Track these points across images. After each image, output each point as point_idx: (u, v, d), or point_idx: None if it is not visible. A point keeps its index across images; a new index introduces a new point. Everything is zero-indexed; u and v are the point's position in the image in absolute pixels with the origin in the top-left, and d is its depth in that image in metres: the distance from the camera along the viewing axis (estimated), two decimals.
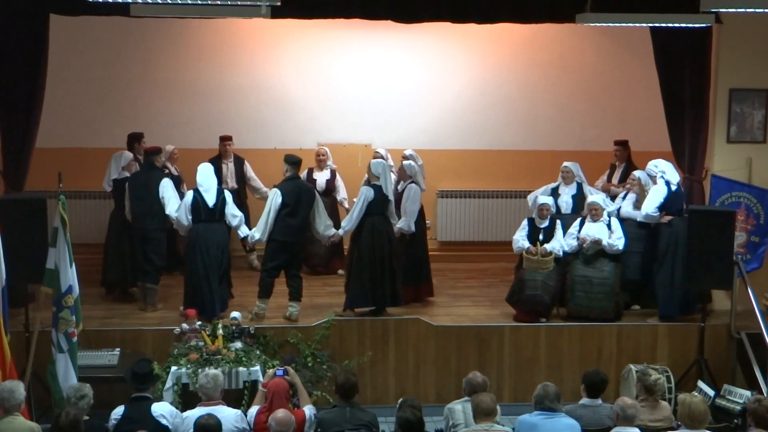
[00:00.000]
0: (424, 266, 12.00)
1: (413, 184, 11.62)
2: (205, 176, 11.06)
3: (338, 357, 10.66)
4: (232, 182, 13.08)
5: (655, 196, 11.17)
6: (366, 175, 11.40)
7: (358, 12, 11.47)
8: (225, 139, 13.31)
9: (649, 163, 11.44)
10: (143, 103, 13.76)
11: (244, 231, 11.24)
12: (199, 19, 12.92)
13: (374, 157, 12.19)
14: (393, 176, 11.97)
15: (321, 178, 12.92)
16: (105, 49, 13.59)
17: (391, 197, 11.13)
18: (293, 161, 11.19)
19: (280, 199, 10.93)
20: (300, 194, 11.05)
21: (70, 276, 9.43)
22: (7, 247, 9.17)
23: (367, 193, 11.00)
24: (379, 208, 11.01)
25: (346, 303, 11.09)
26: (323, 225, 11.18)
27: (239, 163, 13.27)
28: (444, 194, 14.30)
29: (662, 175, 11.24)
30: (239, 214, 11.16)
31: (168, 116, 13.74)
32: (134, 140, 12.52)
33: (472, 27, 12.44)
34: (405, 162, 11.85)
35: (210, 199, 10.94)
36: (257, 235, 10.99)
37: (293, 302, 11.07)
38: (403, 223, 11.44)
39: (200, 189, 10.92)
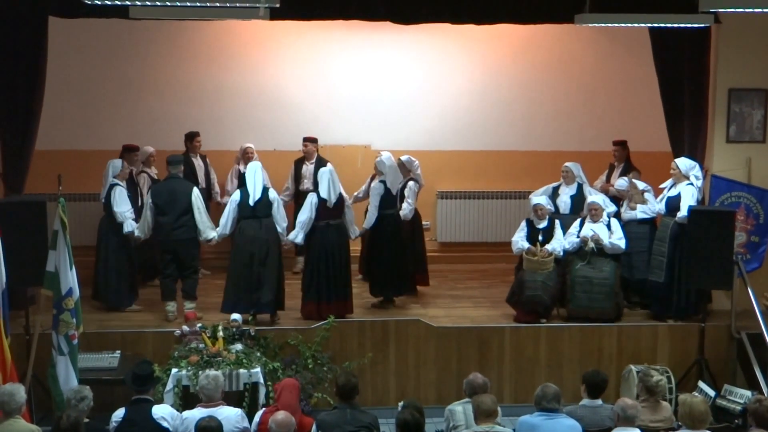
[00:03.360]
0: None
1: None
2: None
3: (339, 358, 10.66)
4: (310, 183, 12.95)
5: (692, 196, 11.13)
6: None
7: (356, 13, 11.48)
8: (306, 140, 13.27)
9: (685, 162, 11.38)
10: (142, 106, 13.76)
11: (127, 227, 11.30)
12: (197, 21, 12.91)
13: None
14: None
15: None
16: (104, 51, 13.58)
17: (252, 202, 10.99)
18: (171, 161, 11.35)
19: (149, 199, 11.18)
20: (172, 193, 11.12)
21: (70, 278, 9.43)
22: (7, 249, 9.16)
23: (233, 197, 11.13)
24: (245, 211, 11.00)
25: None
26: (203, 225, 11.15)
27: (320, 164, 13.12)
28: (444, 195, 14.30)
29: (695, 175, 11.23)
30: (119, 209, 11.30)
31: (166, 118, 13.73)
32: (128, 152, 12.48)
33: (470, 28, 12.45)
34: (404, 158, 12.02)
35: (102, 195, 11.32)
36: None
37: (187, 301, 11.14)
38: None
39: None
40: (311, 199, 11.14)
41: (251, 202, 10.98)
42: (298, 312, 11.21)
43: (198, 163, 13.12)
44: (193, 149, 13.10)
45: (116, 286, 11.53)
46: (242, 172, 13.05)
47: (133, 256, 11.76)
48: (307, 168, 13.22)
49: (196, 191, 11.27)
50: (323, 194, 11.12)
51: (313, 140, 13.32)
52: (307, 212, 11.11)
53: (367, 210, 11.82)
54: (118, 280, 11.55)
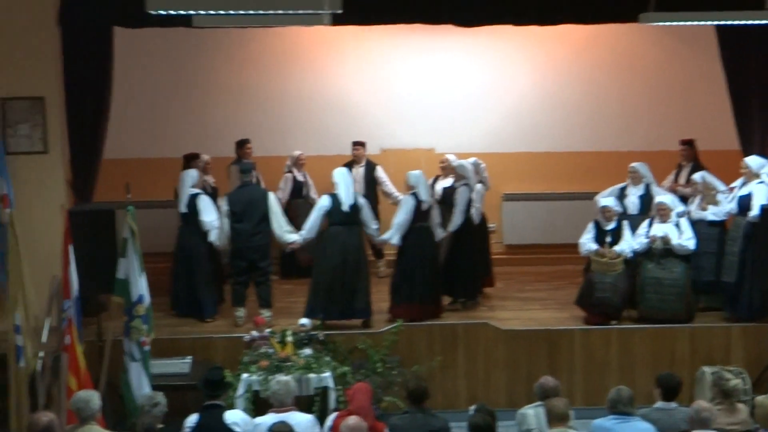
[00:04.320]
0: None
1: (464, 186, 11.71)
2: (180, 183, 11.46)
3: (408, 362, 10.63)
4: (362, 187, 13.05)
5: (763, 195, 10.95)
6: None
7: (418, 17, 11.48)
8: (356, 144, 13.38)
9: (756, 160, 11.20)
10: (206, 113, 13.90)
11: (211, 236, 11.29)
12: (260, 28, 12.98)
13: (441, 163, 12.44)
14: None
15: (441, 186, 12.42)
16: (168, 59, 13.75)
17: (347, 207, 10.97)
18: (243, 169, 11.44)
19: (226, 207, 11.19)
20: (250, 200, 11.16)
21: (140, 285, 9.51)
22: (78, 258, 9.29)
23: (321, 202, 11.10)
24: (336, 217, 10.99)
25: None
26: (281, 230, 11.17)
27: (370, 168, 13.31)
28: (509, 197, 14.23)
29: (766, 173, 11.06)
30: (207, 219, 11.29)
31: (231, 125, 13.82)
32: (191, 159, 12.49)
33: (533, 29, 12.38)
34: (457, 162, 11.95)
35: (181, 206, 11.35)
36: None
37: (263, 309, 11.16)
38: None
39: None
40: (409, 201, 11.13)
41: (346, 208, 10.97)
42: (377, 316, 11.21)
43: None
44: (244, 155, 13.12)
45: (204, 296, 11.50)
46: (297, 179, 13.12)
47: (218, 266, 11.79)
48: (357, 172, 13.22)
49: (272, 196, 11.32)
50: (422, 196, 11.14)
51: (363, 144, 13.36)
52: (404, 214, 11.11)
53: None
54: (206, 290, 11.55)
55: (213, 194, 12.26)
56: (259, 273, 11.26)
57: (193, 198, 11.42)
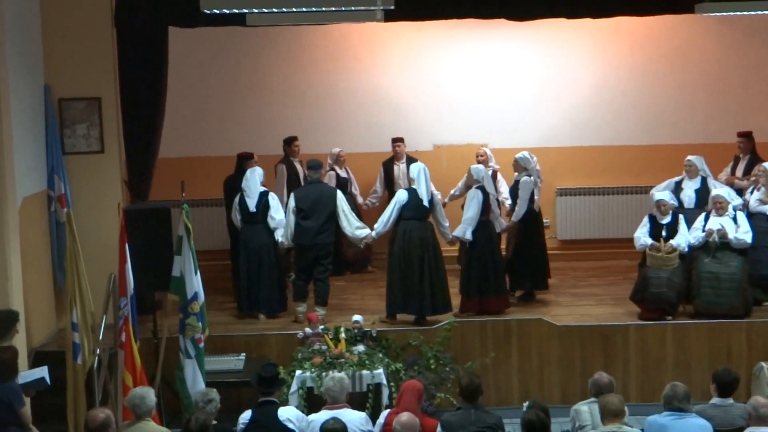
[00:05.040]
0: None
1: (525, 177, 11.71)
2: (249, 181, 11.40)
3: (461, 358, 10.62)
4: (404, 184, 13.10)
5: None
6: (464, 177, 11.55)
7: (471, 11, 11.45)
8: (396, 141, 13.43)
9: None
10: (259, 111, 13.95)
11: (278, 234, 11.31)
12: (311, 26, 13.03)
13: (478, 155, 12.56)
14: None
15: None
16: (221, 59, 13.83)
17: (426, 203, 10.98)
18: (311, 165, 11.45)
19: (293, 204, 11.19)
20: (318, 198, 11.18)
21: (195, 283, 9.59)
22: (134, 256, 9.42)
23: (400, 196, 11.04)
24: (413, 212, 10.96)
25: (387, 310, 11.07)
26: (351, 227, 11.20)
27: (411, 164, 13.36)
28: (563, 192, 14.15)
29: None
30: (278, 216, 11.30)
31: (281, 123, 13.85)
32: (246, 159, 12.47)
33: (587, 22, 12.29)
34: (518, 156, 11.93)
35: (251, 204, 11.24)
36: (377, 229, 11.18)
37: (318, 306, 11.18)
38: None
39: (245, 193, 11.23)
40: (478, 195, 11.13)
41: (425, 203, 10.99)
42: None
43: (300, 167, 13.19)
44: (292, 153, 13.18)
45: (274, 294, 11.50)
46: (340, 176, 13.14)
47: (282, 264, 11.85)
48: (399, 169, 13.24)
49: (340, 194, 11.38)
50: (490, 189, 11.20)
51: (402, 140, 13.40)
52: (474, 208, 11.09)
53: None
54: (277, 287, 11.55)
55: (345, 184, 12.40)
56: (320, 270, 11.29)
57: (263, 196, 11.43)
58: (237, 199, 11.52)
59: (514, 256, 11.73)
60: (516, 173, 11.94)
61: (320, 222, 11.16)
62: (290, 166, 13.03)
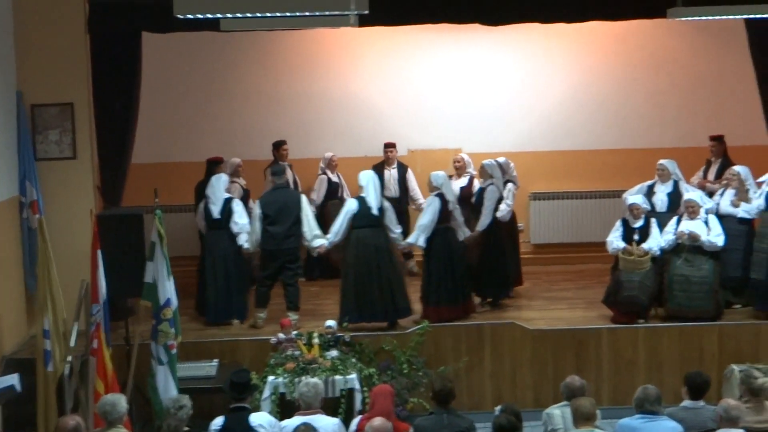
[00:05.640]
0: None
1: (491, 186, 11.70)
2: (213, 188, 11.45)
3: (434, 363, 10.63)
4: (394, 189, 13.13)
5: None
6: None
7: (445, 17, 11.49)
8: (388, 146, 13.45)
9: None
10: (233, 117, 13.95)
11: (241, 239, 11.32)
12: (285, 31, 13.02)
13: (455, 161, 12.48)
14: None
15: (456, 186, 12.43)
16: (196, 64, 13.82)
17: (375, 211, 11.00)
18: (275, 171, 11.47)
19: (259, 210, 11.18)
20: (284, 203, 11.19)
21: (168, 289, 9.55)
22: (106, 262, 9.37)
23: (349, 206, 11.06)
24: (364, 220, 10.98)
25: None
26: (311, 234, 11.21)
27: (403, 170, 13.35)
28: (537, 196, 14.20)
29: None
30: (241, 221, 11.34)
31: (256, 128, 13.89)
32: (215, 164, 12.55)
33: (560, 27, 12.35)
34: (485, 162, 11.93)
35: (215, 211, 11.30)
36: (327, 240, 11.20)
37: (291, 312, 11.18)
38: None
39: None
40: (435, 202, 11.13)
41: (374, 212, 10.99)
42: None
43: (289, 171, 13.20)
44: (281, 157, 13.20)
45: (239, 300, 11.53)
46: (332, 180, 13.19)
47: (247, 270, 11.85)
48: (390, 174, 13.26)
49: (304, 199, 11.40)
50: (449, 196, 11.17)
51: (394, 145, 13.42)
52: (430, 215, 11.10)
53: None
54: (241, 294, 11.58)
55: (245, 197, 12.34)
56: (289, 275, 11.28)
57: (227, 202, 11.47)
58: (201, 205, 11.59)
59: (479, 264, 11.63)
60: (482, 180, 11.95)
61: (286, 227, 11.16)
62: None
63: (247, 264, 11.87)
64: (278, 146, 13.24)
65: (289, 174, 13.10)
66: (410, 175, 13.39)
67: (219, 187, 11.55)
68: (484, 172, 11.83)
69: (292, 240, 11.23)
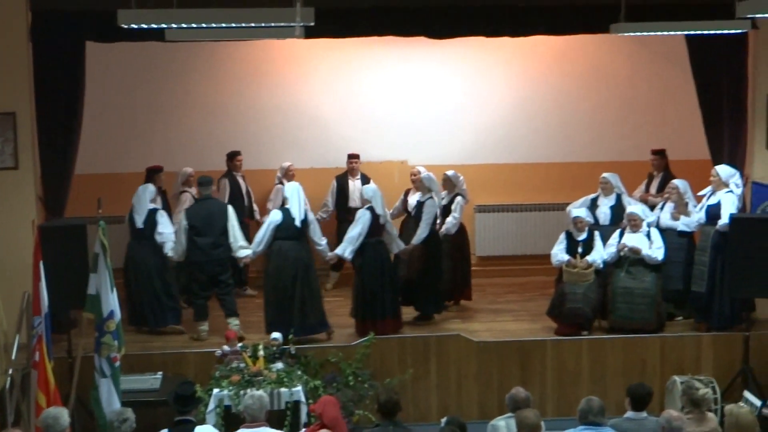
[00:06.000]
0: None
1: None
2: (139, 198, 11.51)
3: (380, 375, 10.63)
4: (359, 200, 13.04)
5: (732, 204, 11.03)
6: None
7: (391, 29, 11.55)
8: (352, 157, 13.44)
9: (725, 169, 11.26)
10: (179, 127, 13.86)
11: (167, 248, 11.35)
12: (232, 42, 12.99)
13: (412, 175, 12.37)
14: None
15: (413, 200, 12.28)
16: (140, 73, 13.69)
17: (298, 222, 11.00)
18: (201, 182, 11.42)
19: (185, 222, 11.18)
20: (210, 214, 11.18)
21: (111, 301, 9.47)
22: (48, 273, 9.25)
23: (273, 217, 11.09)
24: (287, 232, 11.00)
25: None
26: (236, 244, 11.20)
27: (366, 181, 13.34)
28: (482, 209, 14.27)
29: (735, 183, 11.13)
30: (165, 231, 11.38)
31: (203, 139, 13.83)
32: (155, 172, 12.58)
33: (505, 40, 12.44)
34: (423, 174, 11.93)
35: (139, 220, 11.38)
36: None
37: (230, 318, 11.22)
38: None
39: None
40: (365, 215, 11.14)
41: (297, 223, 10.98)
42: (343, 330, 11.25)
43: (242, 182, 13.18)
44: (235, 168, 13.21)
45: (159, 307, 11.51)
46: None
47: (173, 278, 11.81)
48: (355, 184, 13.28)
49: (231, 209, 11.36)
50: (378, 210, 11.14)
51: (358, 156, 13.44)
52: (358, 228, 11.11)
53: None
54: (168, 299, 11.57)
55: None
56: (222, 286, 11.29)
57: (152, 213, 11.49)
58: (127, 215, 11.62)
59: (419, 278, 11.61)
60: (420, 193, 11.96)
61: (214, 238, 11.15)
62: (233, 181, 13.03)
63: (173, 273, 11.87)
64: (232, 157, 13.23)
65: (242, 184, 13.09)
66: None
67: (144, 197, 11.59)
68: (422, 185, 11.84)
69: (222, 250, 11.21)
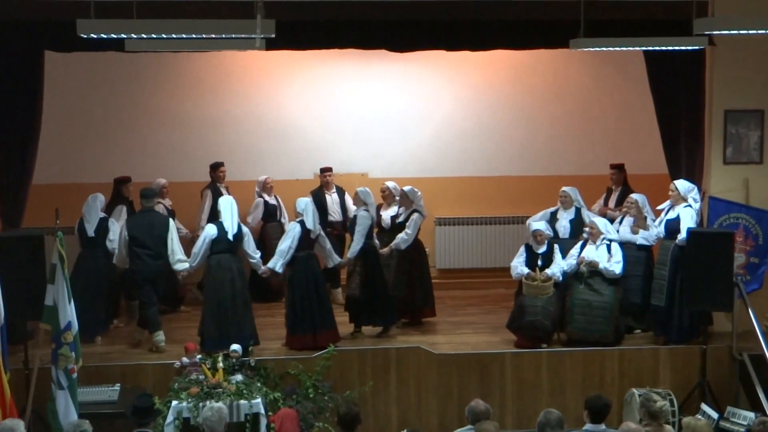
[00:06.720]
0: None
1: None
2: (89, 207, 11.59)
3: (340, 387, 10.60)
4: (337, 214, 13.10)
5: (690, 218, 11.12)
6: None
7: (352, 42, 11.54)
8: (325, 171, 13.39)
9: (684, 184, 11.36)
10: (140, 138, 13.78)
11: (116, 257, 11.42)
12: (193, 53, 12.94)
13: (382, 190, 12.41)
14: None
15: (387, 215, 12.22)
16: (100, 84, 13.61)
17: (231, 236, 10.99)
18: (144, 194, 11.42)
19: (126, 233, 11.20)
20: (150, 225, 11.20)
21: (68, 312, 9.43)
22: (5, 284, 9.18)
23: (209, 231, 11.07)
24: (222, 245, 11.01)
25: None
26: (174, 257, 11.17)
27: (341, 193, 13.32)
28: (442, 222, 14.31)
29: (693, 197, 11.23)
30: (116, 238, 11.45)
31: (165, 149, 13.77)
32: (123, 183, 12.57)
33: (466, 55, 12.50)
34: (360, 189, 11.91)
35: (89, 229, 11.47)
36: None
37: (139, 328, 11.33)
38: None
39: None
40: (294, 228, 11.14)
41: (231, 237, 10.98)
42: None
43: (225, 193, 13.06)
44: (218, 179, 13.19)
45: (94, 315, 11.40)
46: (269, 203, 13.17)
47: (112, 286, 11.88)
48: (332, 198, 13.26)
49: (172, 223, 11.36)
50: (309, 224, 11.13)
51: (331, 169, 13.44)
52: (287, 241, 11.12)
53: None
54: (99, 310, 11.55)
55: (170, 216, 12.17)
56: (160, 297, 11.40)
57: (103, 221, 11.53)
58: (77, 224, 11.59)
59: (362, 293, 11.51)
60: (355, 207, 11.96)
61: (154, 249, 11.15)
62: (216, 192, 12.94)
63: (119, 280, 11.92)
64: (216, 168, 13.21)
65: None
66: (348, 198, 13.36)
67: (95, 206, 11.61)
68: (357, 199, 11.82)
69: (162, 263, 11.19)
